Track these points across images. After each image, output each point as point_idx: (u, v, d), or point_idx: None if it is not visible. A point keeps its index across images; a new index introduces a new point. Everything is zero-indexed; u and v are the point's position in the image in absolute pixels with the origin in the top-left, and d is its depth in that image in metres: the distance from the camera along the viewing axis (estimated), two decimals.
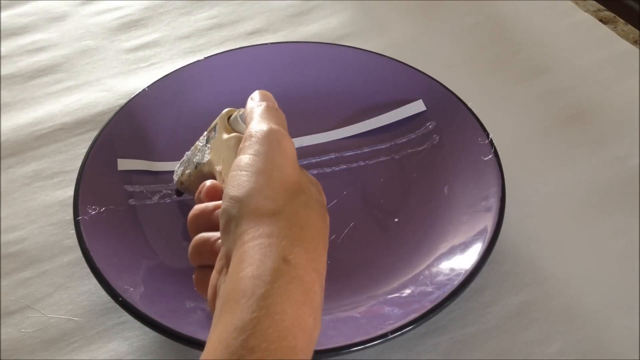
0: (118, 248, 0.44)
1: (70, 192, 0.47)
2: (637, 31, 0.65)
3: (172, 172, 0.50)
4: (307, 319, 0.26)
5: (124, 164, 0.49)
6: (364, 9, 0.68)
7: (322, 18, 0.67)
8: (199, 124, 0.54)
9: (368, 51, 0.57)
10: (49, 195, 0.51)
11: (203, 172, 0.40)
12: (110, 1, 0.70)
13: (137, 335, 0.42)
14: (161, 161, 0.51)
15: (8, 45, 0.65)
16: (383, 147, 0.52)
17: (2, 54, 0.64)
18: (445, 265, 0.42)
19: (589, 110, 0.56)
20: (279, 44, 0.58)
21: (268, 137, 0.32)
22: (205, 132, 0.42)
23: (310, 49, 0.57)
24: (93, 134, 0.51)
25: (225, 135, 0.38)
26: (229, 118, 0.40)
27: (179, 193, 0.48)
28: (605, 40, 0.63)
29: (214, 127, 0.41)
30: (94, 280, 0.41)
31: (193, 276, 0.33)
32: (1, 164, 0.54)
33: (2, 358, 0.42)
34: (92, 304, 0.44)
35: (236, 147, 0.35)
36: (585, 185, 0.50)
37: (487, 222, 0.43)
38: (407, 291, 0.41)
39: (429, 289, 0.40)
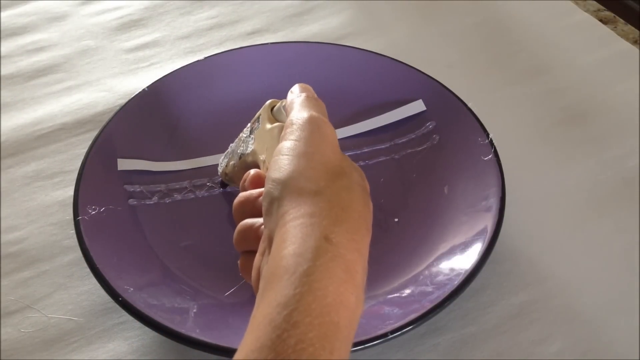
0: (118, 248, 0.44)
1: (70, 192, 0.47)
2: (637, 31, 0.65)
3: (171, 172, 0.50)
4: (349, 296, 0.27)
5: (124, 164, 0.49)
6: (364, 9, 0.68)
7: (322, 18, 0.67)
8: (199, 124, 0.54)
9: (368, 51, 0.57)
10: (49, 195, 0.51)
11: (247, 162, 0.41)
12: (110, 1, 0.70)
13: (137, 335, 0.42)
14: (161, 161, 0.51)
15: (8, 45, 0.65)
16: (383, 147, 0.52)
17: (2, 54, 0.64)
18: (445, 265, 0.42)
19: (589, 110, 0.56)
20: (279, 44, 0.58)
21: (309, 123, 0.33)
22: (249, 124, 0.43)
23: (310, 49, 0.57)
24: (93, 134, 0.51)
25: (269, 125, 0.39)
26: (272, 109, 0.40)
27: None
28: (605, 40, 0.63)
29: (258, 118, 0.41)
30: (94, 280, 0.41)
31: (238, 262, 0.34)
32: (1, 164, 0.54)
33: (2, 358, 0.42)
34: (92, 304, 0.44)
35: (279, 136, 0.36)
36: (585, 185, 0.50)
37: (487, 222, 0.43)
38: (407, 291, 0.41)
39: (429, 289, 0.40)
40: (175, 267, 0.44)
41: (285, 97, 0.42)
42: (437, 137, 0.51)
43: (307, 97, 0.36)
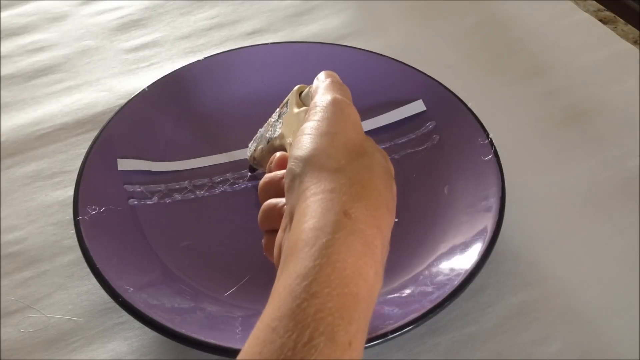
0: (118, 248, 0.44)
1: (70, 192, 0.47)
2: (637, 31, 0.65)
3: (171, 172, 0.50)
4: (368, 270, 0.27)
5: (124, 164, 0.49)
6: (364, 9, 0.68)
7: (322, 18, 0.67)
8: (199, 124, 0.54)
9: (368, 51, 0.57)
10: (49, 195, 0.51)
11: (274, 146, 0.41)
12: (110, 1, 0.70)
13: (137, 335, 0.42)
14: (161, 161, 0.51)
15: (8, 45, 0.65)
16: (383, 147, 0.52)
17: (2, 54, 0.64)
18: (445, 265, 0.42)
19: (589, 110, 0.56)
20: (279, 44, 0.58)
21: (332, 105, 0.33)
22: (278, 109, 0.43)
23: (310, 49, 0.57)
24: (93, 134, 0.51)
25: (296, 110, 0.40)
26: (300, 94, 0.41)
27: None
28: (605, 40, 0.63)
29: (286, 102, 0.42)
30: (94, 280, 0.41)
31: (262, 241, 0.35)
32: (1, 164, 0.54)
33: (2, 358, 0.42)
34: (92, 304, 0.44)
35: None
36: (585, 185, 0.50)
37: (487, 222, 0.43)
38: (407, 291, 0.41)
39: (429, 289, 0.40)
40: (175, 267, 0.44)
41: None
42: (437, 137, 0.51)
43: (332, 81, 0.36)
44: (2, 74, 0.62)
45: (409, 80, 0.54)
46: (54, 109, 0.58)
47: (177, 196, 0.49)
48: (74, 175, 0.47)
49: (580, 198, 0.50)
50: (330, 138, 0.32)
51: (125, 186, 0.48)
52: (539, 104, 0.57)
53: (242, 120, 0.54)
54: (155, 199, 0.48)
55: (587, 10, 0.67)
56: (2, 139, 0.56)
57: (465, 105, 0.51)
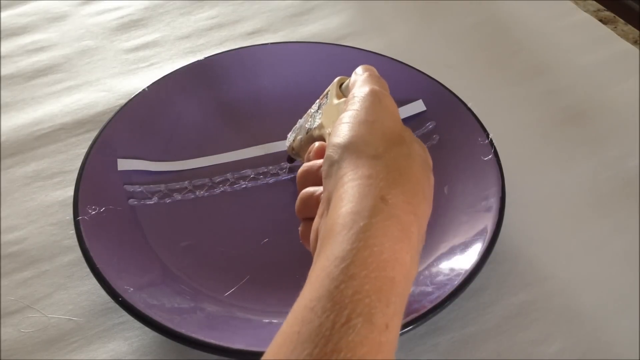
0: (118, 248, 0.44)
1: (70, 192, 0.47)
2: (637, 31, 0.65)
3: (171, 172, 0.50)
4: (404, 255, 0.27)
5: (124, 164, 0.49)
6: (364, 9, 0.68)
7: (322, 18, 0.67)
8: (198, 124, 0.54)
9: (368, 51, 0.57)
10: (49, 195, 0.51)
11: (313, 137, 0.42)
12: (110, 1, 0.70)
13: (137, 335, 0.42)
14: (161, 161, 0.51)
15: (8, 45, 0.65)
16: None
17: (2, 54, 0.64)
18: (445, 265, 0.42)
19: (589, 110, 0.56)
20: (279, 44, 0.58)
21: (370, 95, 0.34)
22: (318, 100, 0.43)
23: (310, 49, 0.57)
24: (93, 134, 0.51)
25: (336, 101, 0.40)
26: (341, 85, 0.41)
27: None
28: (605, 40, 0.63)
29: (326, 93, 0.42)
30: (94, 280, 0.41)
31: (299, 228, 0.35)
32: (1, 164, 0.54)
33: (2, 358, 0.42)
34: (92, 304, 0.44)
35: None
36: (585, 185, 0.50)
37: (487, 222, 0.43)
38: None
39: (429, 289, 0.40)
40: (175, 267, 0.44)
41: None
42: (437, 137, 0.51)
43: (370, 74, 0.37)
44: (2, 74, 0.62)
45: (409, 80, 0.54)
46: (54, 109, 0.58)
47: (177, 196, 0.49)
48: (74, 175, 0.47)
49: (580, 198, 0.50)
50: (369, 126, 0.32)
51: (125, 186, 0.48)
52: (539, 104, 0.57)
53: (242, 120, 0.55)
54: (155, 199, 0.48)
55: (587, 10, 0.67)
56: (2, 139, 0.56)
57: (465, 105, 0.51)
